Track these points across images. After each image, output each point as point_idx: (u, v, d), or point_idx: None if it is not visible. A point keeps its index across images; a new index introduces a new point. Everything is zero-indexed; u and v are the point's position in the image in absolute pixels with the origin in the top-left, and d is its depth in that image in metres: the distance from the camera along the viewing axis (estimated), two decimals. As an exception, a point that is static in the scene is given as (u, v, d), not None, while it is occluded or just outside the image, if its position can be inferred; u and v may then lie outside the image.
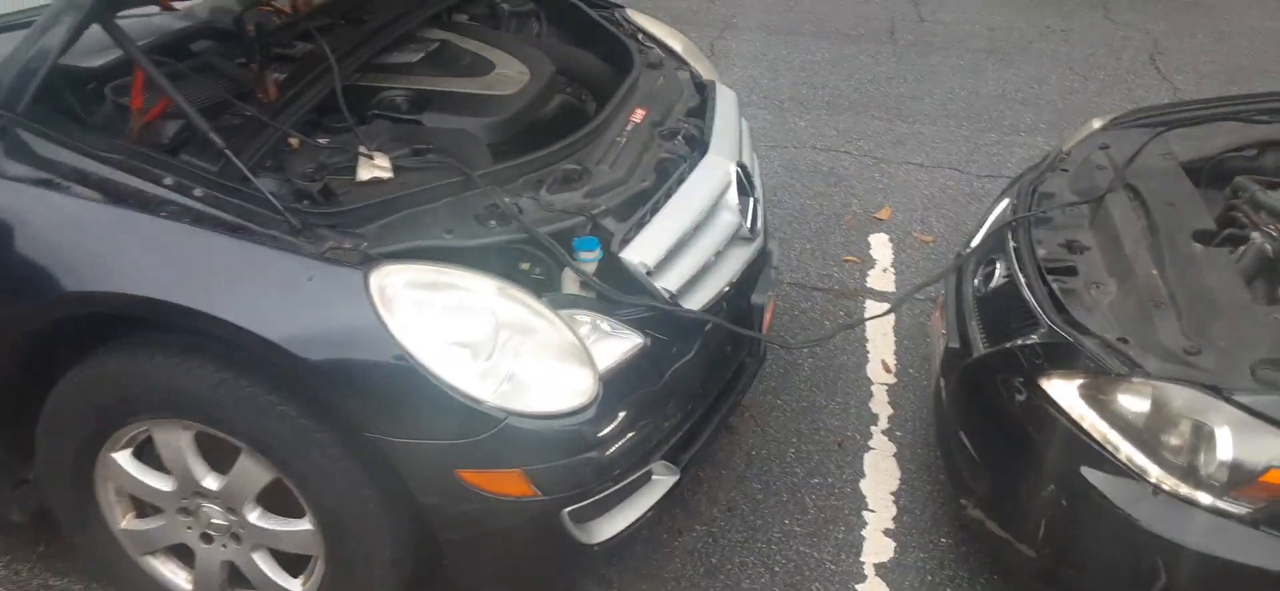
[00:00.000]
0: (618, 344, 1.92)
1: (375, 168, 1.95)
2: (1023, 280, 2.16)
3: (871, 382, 2.88)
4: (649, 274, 1.99)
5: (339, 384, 1.71)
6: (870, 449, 2.64)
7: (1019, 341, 2.04)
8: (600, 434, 1.84)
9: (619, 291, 1.96)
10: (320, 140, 2.05)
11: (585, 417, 1.81)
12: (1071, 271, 2.14)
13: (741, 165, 2.37)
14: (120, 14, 2.07)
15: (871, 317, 3.09)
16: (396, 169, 1.98)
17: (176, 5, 2.24)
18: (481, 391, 1.72)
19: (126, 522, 2.00)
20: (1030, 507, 1.95)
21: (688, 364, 2.06)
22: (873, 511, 2.44)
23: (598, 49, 2.82)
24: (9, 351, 1.84)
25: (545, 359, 1.81)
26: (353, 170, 1.97)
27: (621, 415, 1.88)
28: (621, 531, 1.97)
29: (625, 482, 1.94)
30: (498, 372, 1.75)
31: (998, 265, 2.32)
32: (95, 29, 1.86)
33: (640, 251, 1.99)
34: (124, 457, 1.92)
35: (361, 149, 1.98)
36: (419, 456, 1.74)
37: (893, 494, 2.49)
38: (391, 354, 1.68)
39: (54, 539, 2.21)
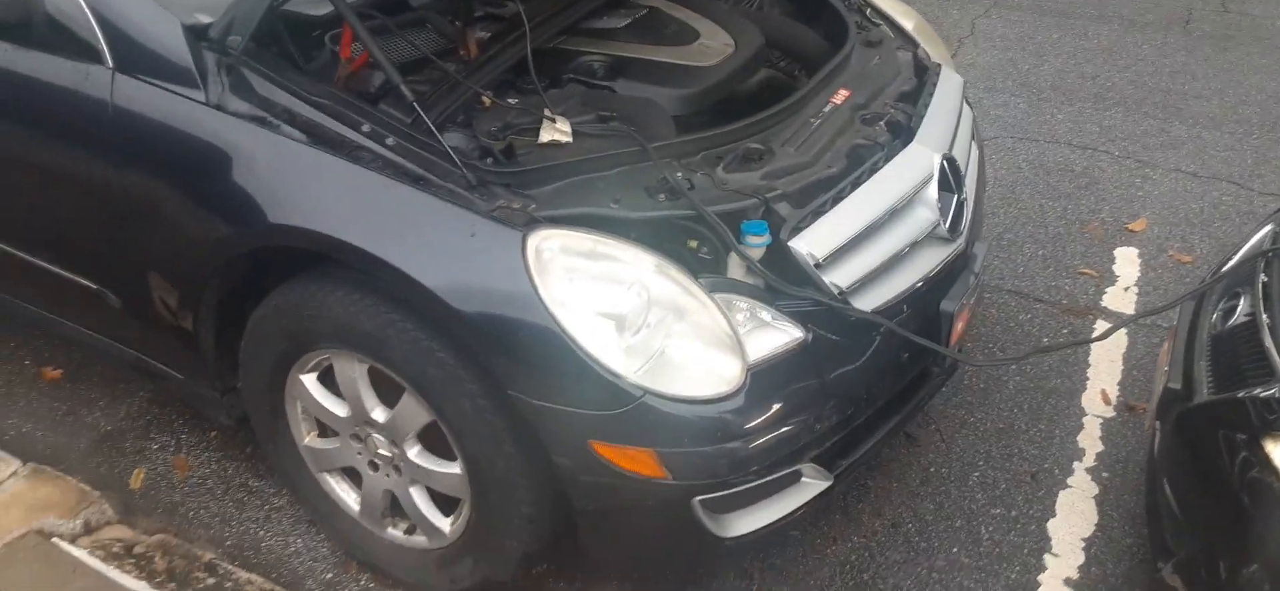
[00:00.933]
0: (774, 335, 1.83)
1: (556, 131, 1.97)
2: (1266, 322, 1.85)
3: (1085, 413, 2.60)
4: (817, 266, 1.88)
5: (487, 339, 1.74)
6: (1067, 487, 2.38)
7: (1249, 392, 1.75)
8: (742, 426, 1.77)
9: (785, 281, 1.87)
10: (510, 100, 2.09)
11: (727, 407, 1.75)
12: (1329, 322, 1.80)
13: (948, 158, 2.18)
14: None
15: (1076, 342, 2.79)
16: (576, 134, 1.98)
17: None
18: (623, 366, 1.70)
19: (309, 440, 2.17)
20: (1233, 587, 1.68)
21: (854, 366, 1.94)
22: (1056, 555, 2.20)
23: (820, 24, 2.69)
24: (224, 270, 2.03)
25: (693, 341, 1.76)
26: (536, 131, 2.00)
27: (769, 409, 1.80)
28: (758, 529, 1.90)
29: (767, 480, 1.86)
30: (643, 350, 1.72)
31: (1242, 300, 2.00)
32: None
33: (811, 241, 1.88)
34: (310, 380, 2.07)
35: (546, 112, 2.00)
36: (555, 421, 1.75)
37: (1084, 540, 2.24)
38: (538, 318, 1.70)
39: (258, 445, 2.44)
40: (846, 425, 1.98)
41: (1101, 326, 2.89)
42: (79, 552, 2.13)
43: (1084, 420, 2.57)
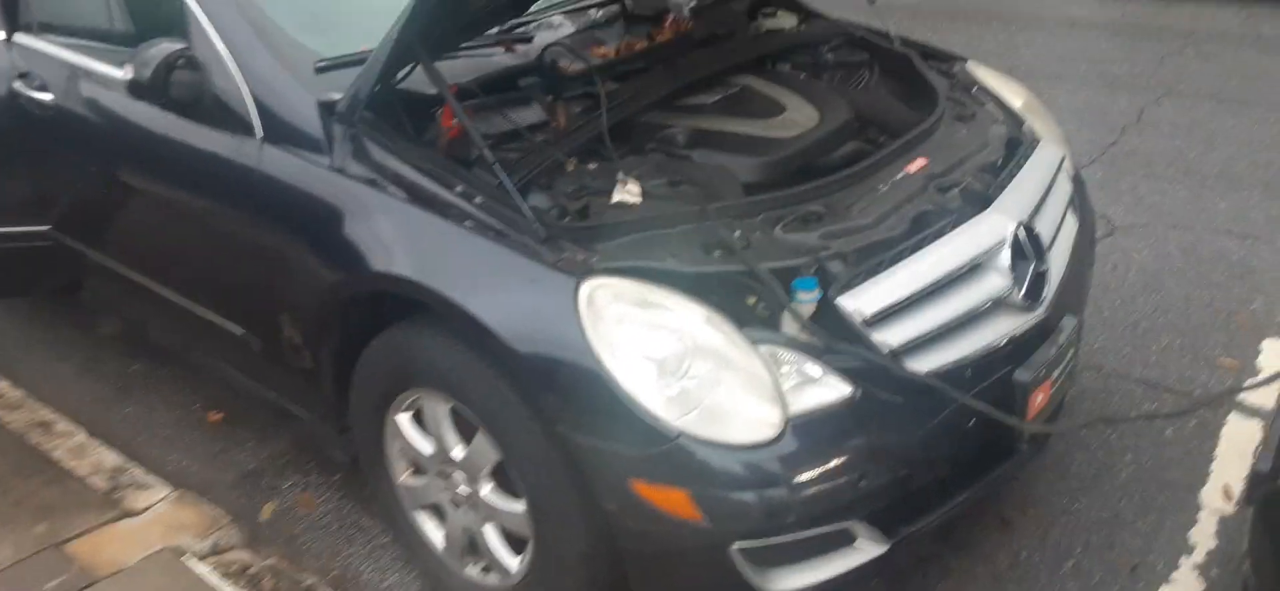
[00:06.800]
0: (820, 390, 1.86)
1: (626, 193, 2.10)
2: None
3: (1201, 507, 2.41)
4: (866, 323, 1.90)
5: (539, 377, 1.87)
6: (1170, 582, 2.21)
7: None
8: (779, 474, 1.80)
9: (837, 338, 1.89)
10: (590, 166, 2.25)
11: (763, 454, 1.79)
12: None
13: (1026, 227, 2.15)
14: (472, 52, 2.50)
15: (1146, 416, 2.64)
16: (646, 196, 2.10)
17: (517, 48, 2.61)
18: (661, 408, 1.79)
19: (404, 478, 2.35)
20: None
21: (909, 428, 1.93)
22: (1149, 650, 2.05)
23: (920, 102, 2.71)
24: (339, 313, 2.26)
25: (736, 391, 1.82)
26: (610, 193, 2.14)
27: (809, 461, 1.82)
28: (805, 588, 1.90)
29: (811, 535, 1.87)
30: (683, 395, 1.80)
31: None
32: (447, 63, 2.24)
33: (861, 299, 1.91)
34: (404, 420, 2.25)
35: (619, 175, 2.14)
36: (598, 458, 1.85)
37: (1183, 637, 2.07)
38: (585, 358, 1.81)
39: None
40: (902, 488, 1.95)
41: (1234, 419, 2.67)
42: (201, 569, 2.38)
43: (1199, 515, 2.39)
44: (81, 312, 3.45)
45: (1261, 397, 2.74)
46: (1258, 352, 2.97)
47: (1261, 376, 2.84)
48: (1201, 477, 2.49)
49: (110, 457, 2.80)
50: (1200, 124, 4.75)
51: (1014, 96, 2.79)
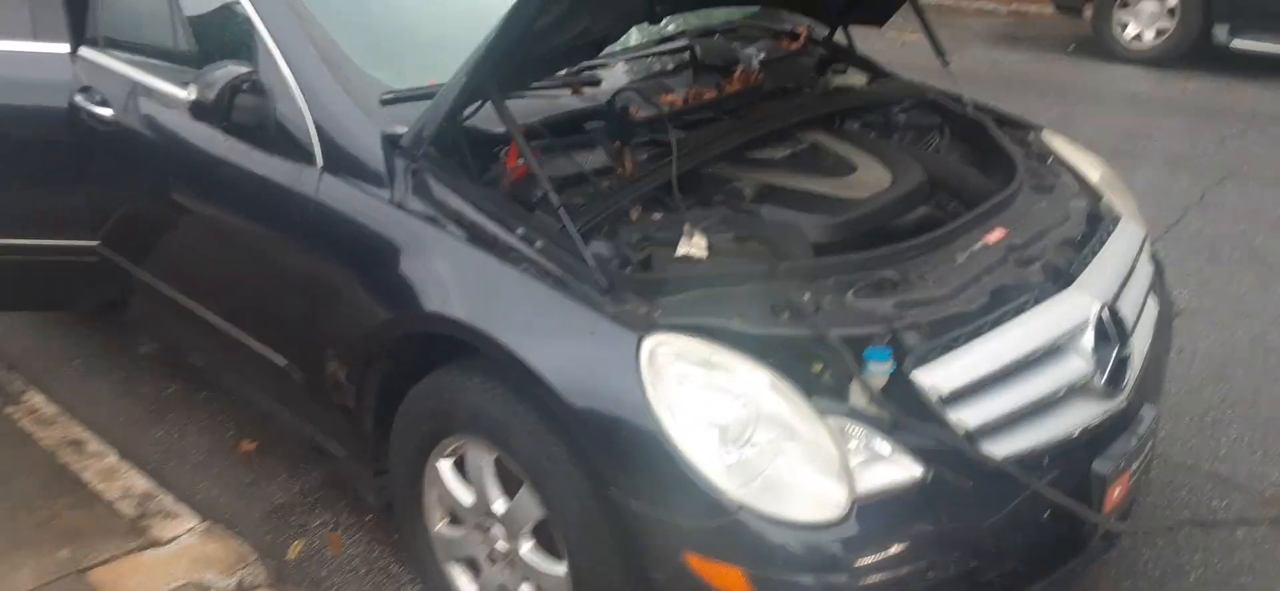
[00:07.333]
0: (890, 470, 1.76)
1: (692, 246, 2.02)
2: None
3: (1282, 617, 2.27)
4: (942, 401, 1.80)
5: (594, 434, 1.79)
6: (1249, 696, 2.07)
7: None
8: (841, 559, 1.70)
9: (908, 414, 1.79)
10: (655, 215, 2.17)
11: (825, 536, 1.69)
12: None
13: (1110, 308, 2.04)
14: (539, 92, 2.43)
15: (1237, 522, 2.49)
16: (712, 250, 2.02)
17: (584, 91, 2.55)
18: (721, 478, 1.69)
19: (439, 527, 2.25)
20: None
21: (981, 516, 1.82)
22: None
23: (995, 169, 2.62)
24: (387, 351, 2.19)
25: (799, 464, 1.72)
26: (675, 245, 2.06)
27: (875, 547, 1.72)
28: (863, 680, 1.78)
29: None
30: (744, 464, 1.71)
31: None
32: (511, 102, 2.19)
33: (938, 375, 1.81)
34: (445, 467, 2.17)
35: (685, 227, 2.06)
36: (650, 526, 1.75)
37: None
38: (644, 419, 1.73)
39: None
40: (970, 581, 1.84)
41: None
42: (226, 608, 2.31)
43: (1280, 624, 2.25)
44: (122, 330, 3.42)
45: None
46: (1336, 454, 2.83)
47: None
48: (1276, 585, 2.35)
49: (140, 482, 2.74)
50: (1265, 209, 4.62)
51: (1091, 169, 2.69)
